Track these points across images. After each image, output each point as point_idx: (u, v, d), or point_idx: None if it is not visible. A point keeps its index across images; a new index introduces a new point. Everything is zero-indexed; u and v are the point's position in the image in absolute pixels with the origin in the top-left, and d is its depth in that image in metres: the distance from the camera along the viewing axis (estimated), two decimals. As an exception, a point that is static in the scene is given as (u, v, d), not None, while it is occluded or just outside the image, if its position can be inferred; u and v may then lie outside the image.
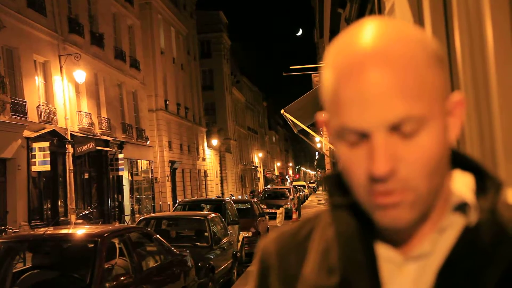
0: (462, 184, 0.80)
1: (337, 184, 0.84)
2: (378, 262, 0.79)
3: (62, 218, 20.62)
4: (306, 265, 0.84)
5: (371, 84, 0.71)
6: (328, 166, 23.64)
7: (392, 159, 0.72)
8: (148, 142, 31.74)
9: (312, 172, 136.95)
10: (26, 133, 18.97)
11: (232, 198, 30.08)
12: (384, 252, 0.80)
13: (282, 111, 12.13)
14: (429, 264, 0.77)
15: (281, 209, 24.13)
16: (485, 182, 0.80)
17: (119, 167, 26.00)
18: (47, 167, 19.27)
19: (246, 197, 45.35)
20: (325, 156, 23.80)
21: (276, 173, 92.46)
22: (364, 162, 0.73)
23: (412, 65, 0.72)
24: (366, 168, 0.73)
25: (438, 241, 0.78)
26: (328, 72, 0.76)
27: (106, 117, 25.99)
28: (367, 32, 0.74)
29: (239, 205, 18.06)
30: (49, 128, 20.25)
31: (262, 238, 1.00)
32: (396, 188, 0.73)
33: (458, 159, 0.83)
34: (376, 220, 0.76)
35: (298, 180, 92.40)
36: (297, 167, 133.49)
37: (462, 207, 0.79)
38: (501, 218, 0.77)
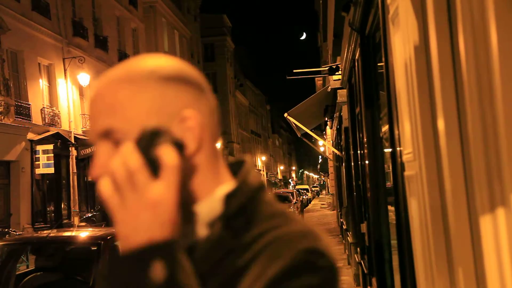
0: (214, 199, 0.85)
1: None
2: None
3: (65, 221, 20.67)
4: None
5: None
6: (331, 170, 23.61)
7: (102, 165, 0.79)
8: (151, 145, 31.76)
9: (316, 176, 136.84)
10: (30, 136, 19.03)
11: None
12: None
13: (285, 114, 12.12)
14: None
15: (284, 213, 24.06)
16: (236, 188, 0.86)
17: (123, 170, 26.02)
18: (51, 170, 19.33)
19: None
20: (328, 159, 23.77)
21: (279, 176, 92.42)
22: None
23: (111, 95, 0.82)
24: None
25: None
26: None
27: (109, 120, 26.04)
28: (112, 69, 0.87)
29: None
30: (53, 130, 20.31)
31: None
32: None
33: (236, 170, 0.91)
34: None
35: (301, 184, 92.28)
36: (300, 170, 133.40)
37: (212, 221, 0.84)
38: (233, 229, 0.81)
